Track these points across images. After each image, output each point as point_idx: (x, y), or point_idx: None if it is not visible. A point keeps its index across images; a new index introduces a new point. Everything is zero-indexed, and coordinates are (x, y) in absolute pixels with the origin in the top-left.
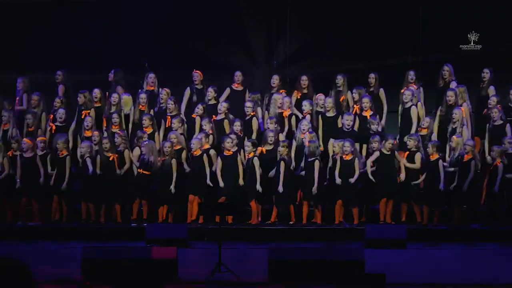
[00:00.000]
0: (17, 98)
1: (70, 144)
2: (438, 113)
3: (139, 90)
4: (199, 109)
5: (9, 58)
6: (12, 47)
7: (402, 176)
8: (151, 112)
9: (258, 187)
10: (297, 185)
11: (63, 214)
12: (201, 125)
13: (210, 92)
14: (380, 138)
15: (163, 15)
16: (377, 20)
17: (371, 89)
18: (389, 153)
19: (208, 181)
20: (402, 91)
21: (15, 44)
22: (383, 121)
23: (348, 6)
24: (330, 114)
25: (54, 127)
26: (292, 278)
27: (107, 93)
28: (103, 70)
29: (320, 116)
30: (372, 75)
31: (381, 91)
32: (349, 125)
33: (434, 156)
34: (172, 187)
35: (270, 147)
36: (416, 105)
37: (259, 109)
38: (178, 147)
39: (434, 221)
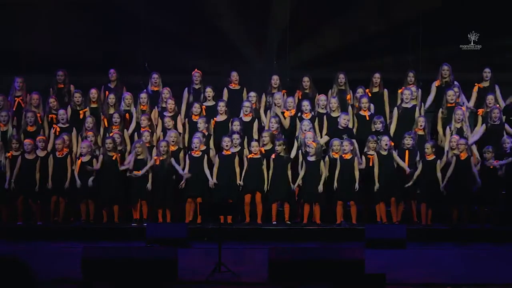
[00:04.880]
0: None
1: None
2: (440, 115)
3: (143, 90)
4: (196, 108)
5: (8, 57)
6: (10, 47)
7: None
8: (153, 112)
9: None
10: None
11: (60, 215)
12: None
13: (209, 92)
14: (375, 138)
15: (162, 15)
16: (376, 20)
17: (375, 89)
18: (386, 153)
19: (213, 181)
20: (400, 91)
21: (13, 44)
22: (394, 123)
23: (349, 6)
24: (335, 114)
25: (58, 129)
26: (292, 278)
27: (107, 92)
28: (103, 70)
29: (324, 117)
30: (377, 75)
31: (385, 92)
32: (345, 124)
33: (431, 157)
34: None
35: (268, 147)
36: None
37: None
38: (175, 148)
39: (428, 221)
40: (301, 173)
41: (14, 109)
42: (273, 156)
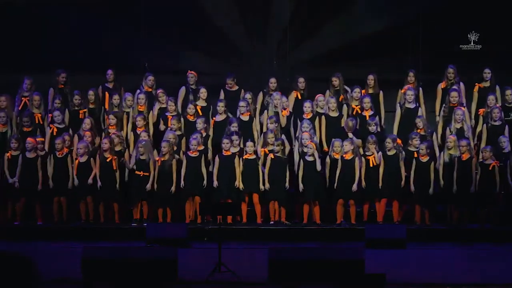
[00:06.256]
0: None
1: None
2: (442, 113)
3: (138, 91)
4: (190, 108)
5: (9, 58)
6: (12, 47)
7: None
8: (150, 112)
9: (262, 186)
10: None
11: (64, 214)
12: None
13: (203, 93)
14: (378, 139)
15: (161, 15)
16: (376, 21)
17: (370, 91)
18: (390, 153)
19: (205, 182)
20: (402, 91)
21: (15, 44)
22: (382, 124)
23: (348, 6)
24: (334, 114)
25: (55, 129)
26: (292, 278)
27: (106, 93)
28: (102, 70)
29: (323, 117)
30: (370, 76)
31: (381, 93)
32: (353, 126)
33: (425, 158)
34: (173, 187)
35: (271, 147)
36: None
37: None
38: (174, 147)
39: (426, 221)
40: (300, 173)
41: (19, 108)
42: (272, 156)
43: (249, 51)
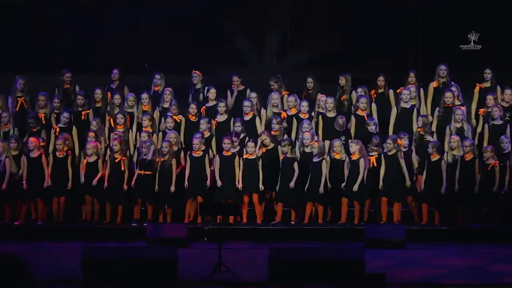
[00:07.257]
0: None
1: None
2: (436, 113)
3: (142, 90)
4: (192, 108)
5: (9, 58)
6: (12, 47)
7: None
8: (155, 112)
9: (261, 186)
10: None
11: (60, 214)
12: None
13: (212, 93)
14: (378, 139)
15: (161, 15)
16: (376, 21)
17: (381, 91)
18: (390, 153)
19: (219, 182)
20: (398, 90)
21: (15, 44)
22: (392, 123)
23: (349, 6)
24: (331, 114)
25: (58, 130)
26: (292, 278)
27: (109, 93)
28: (101, 70)
29: (320, 117)
30: (381, 78)
31: (391, 92)
32: (342, 125)
33: (435, 156)
34: (172, 187)
35: (270, 147)
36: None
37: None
38: (175, 148)
39: (435, 221)
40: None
41: (17, 109)
42: (281, 157)
43: (249, 51)
